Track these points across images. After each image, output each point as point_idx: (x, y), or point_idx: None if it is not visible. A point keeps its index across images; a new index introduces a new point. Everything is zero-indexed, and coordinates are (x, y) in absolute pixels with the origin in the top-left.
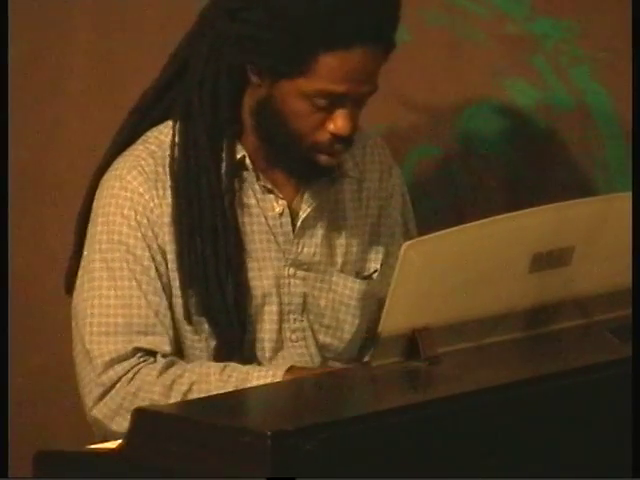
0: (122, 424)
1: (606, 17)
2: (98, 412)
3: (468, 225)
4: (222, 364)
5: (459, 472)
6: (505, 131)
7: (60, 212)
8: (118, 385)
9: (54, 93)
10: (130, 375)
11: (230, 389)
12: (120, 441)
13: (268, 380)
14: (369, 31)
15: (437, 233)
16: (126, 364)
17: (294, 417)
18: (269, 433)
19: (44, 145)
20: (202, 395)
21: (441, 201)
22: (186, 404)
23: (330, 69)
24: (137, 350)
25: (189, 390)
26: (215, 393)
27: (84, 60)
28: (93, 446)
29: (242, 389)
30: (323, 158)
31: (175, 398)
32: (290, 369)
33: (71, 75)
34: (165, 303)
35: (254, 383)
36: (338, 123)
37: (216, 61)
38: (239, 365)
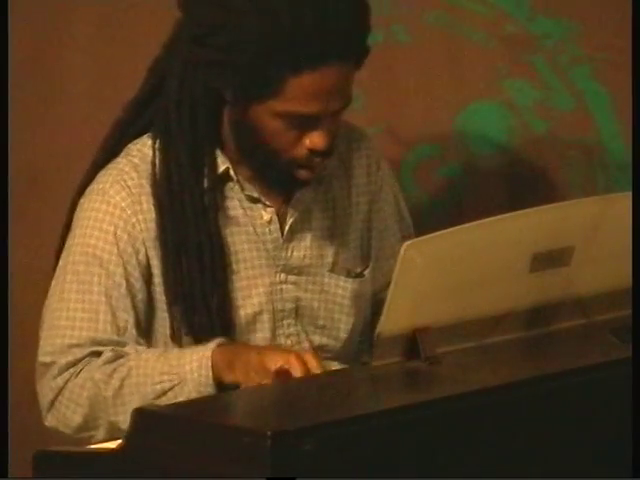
0: (74, 418)
1: (606, 17)
2: (52, 417)
3: (468, 225)
4: (162, 349)
5: (459, 472)
6: (505, 131)
7: (60, 212)
8: (69, 383)
9: (54, 93)
10: (78, 370)
11: (166, 369)
12: (120, 441)
13: (200, 354)
14: (334, 50)
15: (437, 233)
16: (80, 364)
17: (294, 417)
18: (269, 433)
19: (44, 145)
20: (140, 379)
21: (441, 201)
22: (186, 404)
23: (299, 90)
24: (94, 353)
25: (127, 375)
26: (153, 375)
27: (84, 60)
28: (93, 446)
29: (242, 389)
30: (302, 172)
31: (114, 385)
32: (221, 344)
33: (71, 75)
34: (132, 320)
35: (187, 359)
36: (315, 140)
37: (191, 80)
38: (177, 349)
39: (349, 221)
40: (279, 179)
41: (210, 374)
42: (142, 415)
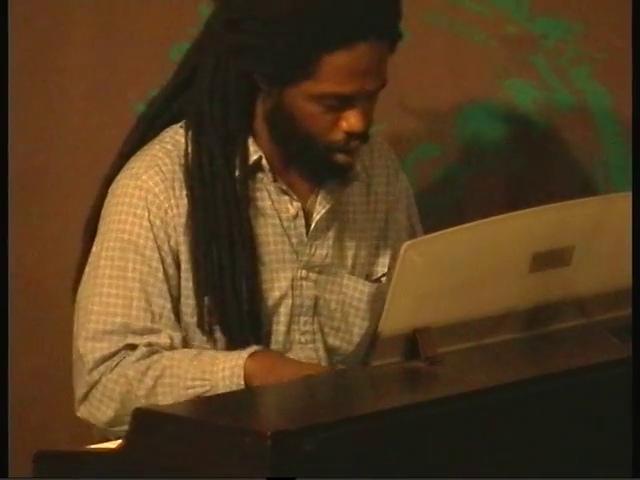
0: (106, 412)
1: (606, 17)
2: (84, 409)
3: (468, 225)
4: (196, 350)
5: (459, 472)
6: (505, 131)
7: (60, 212)
8: (103, 378)
9: (54, 93)
10: (114, 365)
11: (199, 375)
12: (120, 441)
13: (233, 362)
14: (369, 27)
15: (437, 233)
16: (116, 358)
17: (294, 417)
18: (269, 433)
19: (44, 145)
20: (173, 380)
21: (441, 201)
22: (186, 404)
23: (335, 70)
24: (129, 346)
25: (161, 375)
26: (186, 378)
27: (84, 60)
28: (93, 446)
29: (242, 389)
30: (340, 157)
31: (147, 383)
32: (254, 353)
33: (71, 75)
34: (169, 305)
35: (220, 365)
36: (351, 121)
37: (224, 71)
38: (211, 351)
39: (368, 226)
40: (313, 169)
41: (242, 383)
42: (142, 415)
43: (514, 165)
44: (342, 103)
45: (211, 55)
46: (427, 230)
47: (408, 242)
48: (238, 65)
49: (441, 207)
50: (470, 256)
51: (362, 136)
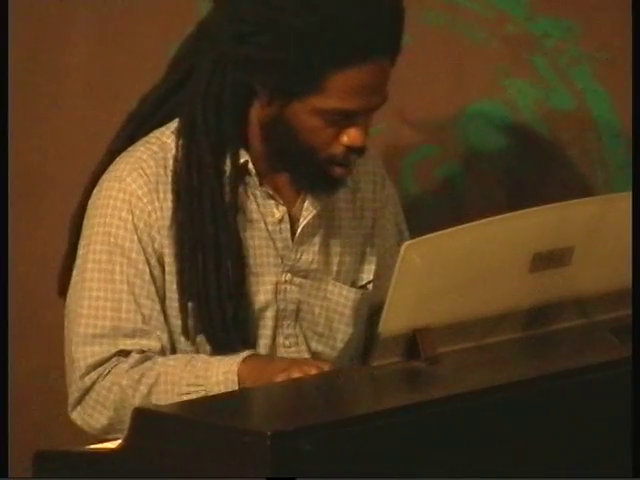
0: (99, 420)
1: (606, 17)
2: (77, 415)
3: (468, 225)
4: (189, 356)
5: (459, 472)
6: (505, 131)
7: (60, 212)
8: (96, 385)
9: (54, 93)
10: (106, 372)
11: (193, 380)
12: (120, 441)
13: (227, 367)
14: (378, 46)
15: (437, 233)
16: (107, 365)
17: (294, 417)
18: (269, 433)
19: (44, 146)
20: (168, 387)
21: (441, 201)
22: (186, 404)
23: (342, 87)
24: (121, 352)
25: (155, 383)
26: (180, 384)
27: (84, 61)
28: (93, 446)
29: (242, 389)
30: (338, 170)
31: (142, 391)
32: (247, 358)
33: (71, 76)
34: (158, 307)
35: (214, 370)
36: (352, 135)
37: (220, 77)
38: (204, 356)
39: (354, 233)
40: (310, 179)
41: (236, 388)
42: (142, 415)
43: (514, 165)
44: (345, 118)
45: (209, 60)
46: (427, 230)
47: (408, 242)
48: (239, 75)
49: (441, 207)
50: (470, 256)
51: (361, 150)
